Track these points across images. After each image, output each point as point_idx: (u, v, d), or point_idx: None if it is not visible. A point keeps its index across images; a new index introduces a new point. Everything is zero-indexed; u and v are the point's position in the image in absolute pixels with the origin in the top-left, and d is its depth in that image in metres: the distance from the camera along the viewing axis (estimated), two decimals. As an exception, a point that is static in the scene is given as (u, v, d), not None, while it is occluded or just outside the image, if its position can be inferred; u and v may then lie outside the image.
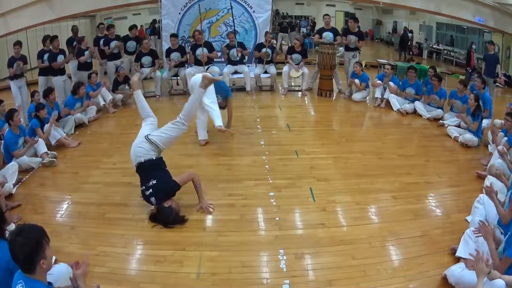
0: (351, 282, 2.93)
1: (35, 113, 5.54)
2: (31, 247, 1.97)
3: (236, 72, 8.53)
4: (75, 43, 8.18)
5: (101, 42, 8.17)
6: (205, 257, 3.21)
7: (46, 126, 5.50)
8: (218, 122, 5.24)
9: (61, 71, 7.28)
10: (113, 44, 8.09)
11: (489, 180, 3.99)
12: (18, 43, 6.74)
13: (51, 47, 7.16)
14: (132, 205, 4.06)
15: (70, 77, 7.89)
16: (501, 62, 11.39)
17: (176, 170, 4.76)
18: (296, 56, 8.30)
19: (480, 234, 2.80)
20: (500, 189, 3.74)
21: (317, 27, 12.58)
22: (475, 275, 2.50)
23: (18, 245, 1.96)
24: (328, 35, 8.23)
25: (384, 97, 7.57)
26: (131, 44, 8.32)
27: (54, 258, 2.55)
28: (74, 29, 8.87)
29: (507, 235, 2.72)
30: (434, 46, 15.34)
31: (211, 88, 5.13)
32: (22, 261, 1.99)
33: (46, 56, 7.06)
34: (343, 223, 3.74)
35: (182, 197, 4.17)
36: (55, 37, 7.27)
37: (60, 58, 7.15)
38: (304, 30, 17.24)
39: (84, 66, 7.73)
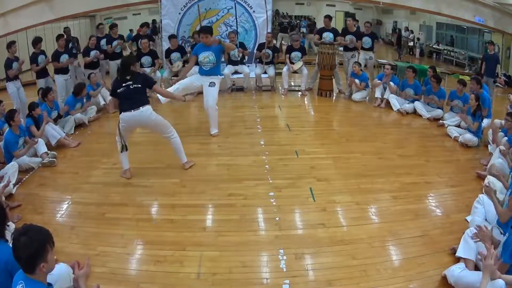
0: (351, 282, 2.93)
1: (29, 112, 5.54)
2: (33, 249, 1.96)
3: (236, 72, 8.54)
4: (70, 44, 8.20)
5: (102, 42, 8.22)
6: (205, 257, 3.21)
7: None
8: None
9: (64, 70, 7.27)
10: (115, 43, 8.14)
11: (489, 180, 3.99)
12: (13, 43, 6.70)
13: (56, 46, 7.15)
14: (132, 205, 4.06)
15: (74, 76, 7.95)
16: (501, 62, 11.39)
17: (176, 170, 4.80)
18: (296, 54, 8.31)
19: (478, 239, 2.80)
20: (500, 189, 3.74)
21: (317, 27, 12.58)
22: (476, 275, 2.51)
23: (21, 245, 1.96)
24: (328, 36, 8.22)
25: (384, 97, 7.57)
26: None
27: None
28: (67, 31, 8.90)
29: (504, 239, 2.71)
30: (434, 46, 15.35)
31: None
32: (23, 261, 1.99)
33: (40, 59, 6.98)
34: (343, 223, 3.74)
35: (184, 197, 4.19)
36: (61, 35, 7.30)
37: (64, 57, 7.16)
38: (304, 30, 17.23)
39: (91, 65, 7.78)
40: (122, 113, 4.31)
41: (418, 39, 15.89)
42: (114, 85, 4.45)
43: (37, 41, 7.05)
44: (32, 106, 5.51)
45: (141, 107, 4.25)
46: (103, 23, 9.13)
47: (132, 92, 4.28)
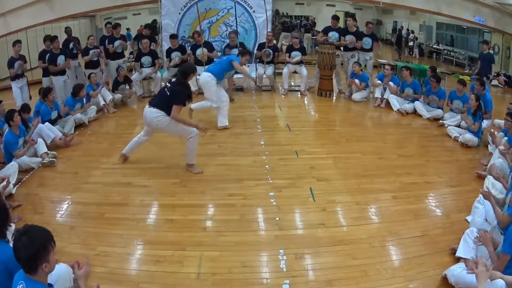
0: (351, 282, 2.93)
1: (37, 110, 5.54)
2: (35, 249, 1.96)
3: (236, 72, 8.52)
4: (71, 44, 8.21)
5: (106, 41, 8.22)
6: (205, 257, 3.21)
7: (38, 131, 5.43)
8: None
9: (61, 71, 7.27)
10: (117, 43, 8.16)
11: (489, 180, 3.98)
12: (18, 42, 6.73)
13: (51, 47, 7.16)
14: (132, 205, 4.06)
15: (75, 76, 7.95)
16: (501, 62, 11.39)
17: (176, 170, 4.81)
18: (296, 53, 8.31)
19: (481, 243, 2.81)
20: (500, 190, 3.74)
21: (318, 27, 12.56)
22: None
23: (22, 245, 1.96)
24: (334, 35, 8.20)
25: (384, 97, 7.57)
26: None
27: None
28: (68, 31, 8.86)
29: (506, 234, 2.72)
30: (434, 46, 15.35)
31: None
32: (24, 262, 1.98)
33: (48, 57, 7.05)
34: (343, 223, 3.74)
35: (184, 197, 4.19)
36: (55, 37, 7.28)
37: (61, 58, 7.16)
38: (303, 30, 17.25)
39: (91, 64, 7.77)
40: None
41: (416, 38, 15.93)
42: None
43: (46, 39, 7.13)
44: (23, 109, 5.48)
45: (151, 107, 4.45)
46: (111, 22, 9.11)
47: (161, 92, 4.57)
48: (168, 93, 4.42)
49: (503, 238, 2.69)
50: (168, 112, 4.38)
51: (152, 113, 4.42)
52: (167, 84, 4.56)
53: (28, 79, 7.15)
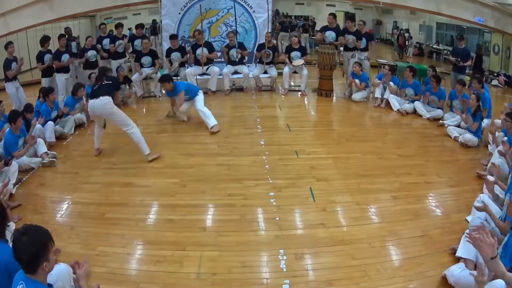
0: (351, 282, 2.93)
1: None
2: (35, 248, 1.96)
3: (236, 72, 8.55)
4: (73, 44, 8.21)
5: (104, 41, 8.22)
6: (205, 257, 3.21)
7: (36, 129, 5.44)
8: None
9: (65, 69, 7.29)
10: (118, 42, 8.17)
11: (483, 198, 3.93)
12: (11, 43, 6.71)
13: (58, 46, 7.16)
14: (132, 205, 4.06)
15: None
16: (501, 62, 11.39)
17: (176, 170, 4.81)
18: (296, 53, 8.30)
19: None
20: (500, 191, 3.73)
21: (318, 27, 12.53)
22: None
23: (22, 245, 1.96)
24: (330, 34, 8.19)
25: (384, 97, 7.56)
26: (138, 43, 8.38)
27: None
28: (67, 31, 8.87)
29: (504, 241, 2.70)
30: (434, 46, 15.35)
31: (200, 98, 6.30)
32: (25, 262, 1.98)
33: (46, 57, 7.04)
34: (343, 223, 3.74)
35: (184, 197, 4.19)
36: (62, 35, 7.32)
37: (65, 56, 7.17)
38: (301, 30, 17.26)
39: (90, 65, 7.76)
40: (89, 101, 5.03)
41: (411, 37, 15.97)
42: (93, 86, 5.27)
43: (45, 40, 7.13)
44: (26, 109, 5.50)
45: (101, 97, 4.80)
46: (105, 23, 9.11)
47: (102, 86, 4.96)
48: (110, 82, 5.03)
49: (503, 250, 2.65)
50: (112, 97, 4.94)
51: (103, 100, 4.79)
52: (101, 84, 5.00)
53: (28, 79, 7.16)
